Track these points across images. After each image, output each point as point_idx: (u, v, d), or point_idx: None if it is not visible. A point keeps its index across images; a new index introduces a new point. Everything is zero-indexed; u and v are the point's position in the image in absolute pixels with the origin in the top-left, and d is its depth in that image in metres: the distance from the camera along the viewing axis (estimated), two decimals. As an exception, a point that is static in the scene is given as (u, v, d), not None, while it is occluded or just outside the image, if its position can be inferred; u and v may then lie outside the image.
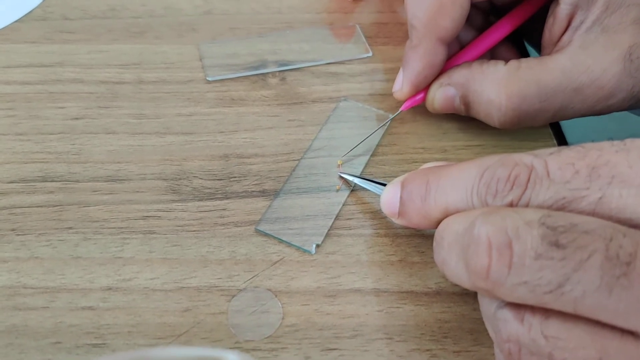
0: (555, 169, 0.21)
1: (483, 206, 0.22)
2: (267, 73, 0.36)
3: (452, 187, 0.23)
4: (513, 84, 0.30)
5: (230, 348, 0.25)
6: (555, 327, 0.19)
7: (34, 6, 0.40)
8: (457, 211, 0.23)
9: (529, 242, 0.19)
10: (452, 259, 0.22)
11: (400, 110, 0.33)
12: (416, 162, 0.32)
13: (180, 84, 0.35)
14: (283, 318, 0.26)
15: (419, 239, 0.29)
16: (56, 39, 0.38)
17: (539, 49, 0.34)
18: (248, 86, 0.35)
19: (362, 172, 0.32)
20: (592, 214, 0.20)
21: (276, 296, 0.27)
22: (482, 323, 0.24)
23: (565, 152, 0.21)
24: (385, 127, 0.33)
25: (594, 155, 0.20)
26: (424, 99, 0.33)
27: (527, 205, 0.21)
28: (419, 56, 0.31)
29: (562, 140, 0.34)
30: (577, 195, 0.20)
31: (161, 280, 0.27)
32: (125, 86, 0.35)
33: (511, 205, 0.21)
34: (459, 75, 0.31)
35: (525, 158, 0.21)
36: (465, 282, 0.21)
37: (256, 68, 0.36)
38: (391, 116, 0.33)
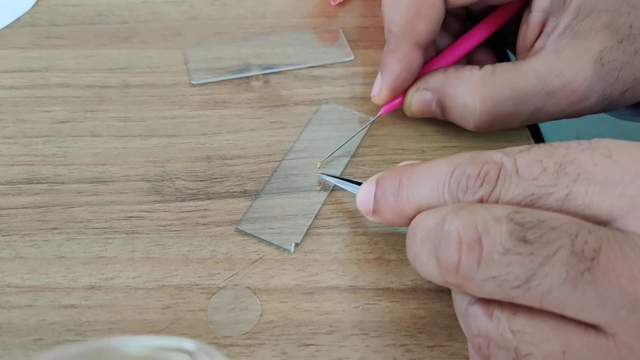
0: (524, 166, 0.21)
1: (454, 202, 0.22)
2: (251, 76, 0.37)
3: (424, 183, 0.23)
4: (487, 87, 0.30)
5: (209, 344, 0.26)
6: (521, 322, 0.20)
7: (22, 12, 0.40)
8: (429, 207, 0.23)
9: (498, 238, 0.20)
10: (424, 255, 0.22)
11: (378, 114, 0.33)
12: (395, 162, 0.33)
13: (165, 87, 0.36)
14: (261, 315, 0.27)
15: (395, 237, 0.29)
16: (44, 45, 0.38)
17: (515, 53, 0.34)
18: (232, 89, 0.36)
19: (342, 172, 0.32)
20: (559, 210, 0.21)
21: (255, 294, 0.27)
22: (456, 319, 0.24)
23: (535, 150, 0.22)
24: (365, 130, 0.34)
25: (561, 153, 0.21)
26: (401, 103, 0.33)
27: (497, 201, 0.21)
28: (397, 60, 0.31)
29: (540, 142, 0.35)
30: (545, 192, 0.21)
31: (143, 279, 0.28)
32: (111, 90, 0.36)
33: (481, 201, 0.22)
34: (435, 80, 0.32)
35: (495, 156, 0.22)
36: (436, 277, 0.22)
37: (240, 71, 0.37)
38: (371, 119, 0.34)
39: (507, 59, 0.38)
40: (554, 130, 0.37)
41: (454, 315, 0.26)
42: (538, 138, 0.35)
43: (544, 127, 0.36)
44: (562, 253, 0.19)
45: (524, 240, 0.19)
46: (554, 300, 0.19)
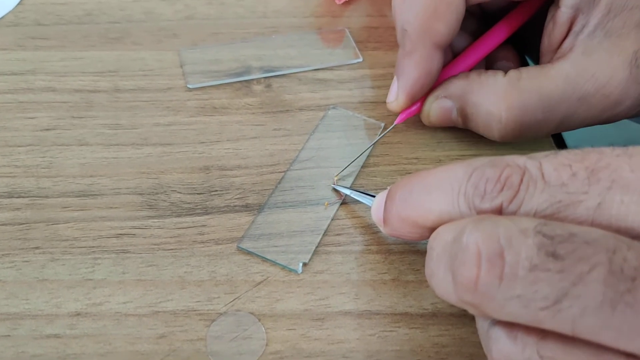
0: (550, 170, 0.19)
1: (470, 209, 0.20)
2: (252, 80, 0.34)
3: (437, 188, 0.21)
4: (513, 95, 0.28)
5: (209, 379, 0.23)
6: (552, 347, 0.18)
7: (6, 12, 0.38)
8: (440, 214, 0.21)
9: (524, 252, 0.17)
10: (440, 271, 0.20)
11: (394, 123, 0.31)
12: (409, 173, 0.30)
13: (159, 92, 0.34)
14: (267, 344, 0.24)
15: (413, 255, 0.27)
16: (28, 46, 0.36)
17: (535, 58, 0.32)
18: (231, 94, 0.34)
19: (352, 184, 0.30)
20: (591, 221, 0.18)
21: (259, 320, 0.25)
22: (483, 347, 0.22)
23: (563, 154, 0.19)
24: (378, 138, 0.31)
25: (593, 158, 0.19)
26: (419, 110, 0.31)
27: (519, 209, 0.19)
28: (415, 63, 0.29)
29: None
30: (575, 199, 0.19)
31: (134, 304, 0.25)
32: (100, 95, 0.33)
33: (501, 208, 0.19)
34: (456, 87, 0.30)
35: (517, 159, 0.20)
36: (452, 296, 0.20)
37: (240, 74, 0.35)
38: (382, 125, 0.31)
39: (526, 61, 0.35)
40: (579, 139, 0.35)
41: (480, 342, 0.23)
42: (562, 147, 0.33)
43: (567, 135, 0.34)
44: (599, 271, 0.17)
45: (553, 255, 0.17)
46: (588, 324, 0.17)
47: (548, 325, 0.18)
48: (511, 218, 0.19)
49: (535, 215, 0.19)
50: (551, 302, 0.17)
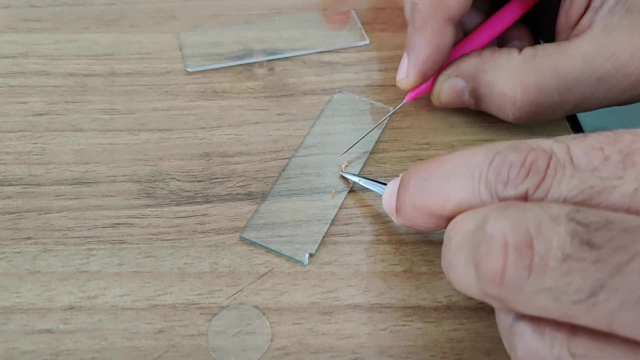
0: (579, 154, 0.18)
1: (492, 197, 0.19)
2: (254, 63, 0.33)
3: (455, 174, 0.20)
4: (529, 74, 0.27)
5: (210, 377, 0.22)
6: (585, 344, 0.17)
7: (-3, -7, 0.36)
8: (459, 202, 0.20)
9: (555, 241, 0.16)
10: (460, 262, 0.19)
11: (403, 102, 0.29)
12: (421, 158, 0.29)
13: (157, 75, 0.32)
14: (272, 340, 0.23)
15: (426, 246, 0.25)
16: (20, 28, 0.34)
17: (547, 38, 0.30)
18: (232, 77, 0.32)
19: (361, 171, 0.28)
20: (626, 208, 0.17)
21: (264, 314, 0.23)
22: (501, 342, 0.20)
23: (593, 137, 0.18)
24: (386, 121, 0.30)
25: (627, 139, 0.18)
26: (429, 89, 0.29)
27: (546, 196, 0.18)
28: (426, 39, 0.28)
29: (580, 131, 0.31)
30: (608, 185, 0.17)
31: (131, 298, 0.24)
32: (95, 79, 0.32)
33: (526, 195, 0.18)
34: (469, 66, 0.28)
35: (542, 143, 0.18)
36: (474, 289, 0.18)
37: (241, 57, 0.33)
38: (392, 109, 0.30)
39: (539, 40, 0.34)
40: (596, 121, 0.33)
41: (498, 337, 0.22)
42: (577, 129, 0.31)
43: (582, 115, 0.32)
44: (639, 261, 0.15)
45: (588, 243, 0.16)
46: (627, 320, 0.16)
47: (581, 320, 0.16)
48: (540, 204, 0.17)
49: (564, 202, 0.18)
50: (586, 296, 0.16)
